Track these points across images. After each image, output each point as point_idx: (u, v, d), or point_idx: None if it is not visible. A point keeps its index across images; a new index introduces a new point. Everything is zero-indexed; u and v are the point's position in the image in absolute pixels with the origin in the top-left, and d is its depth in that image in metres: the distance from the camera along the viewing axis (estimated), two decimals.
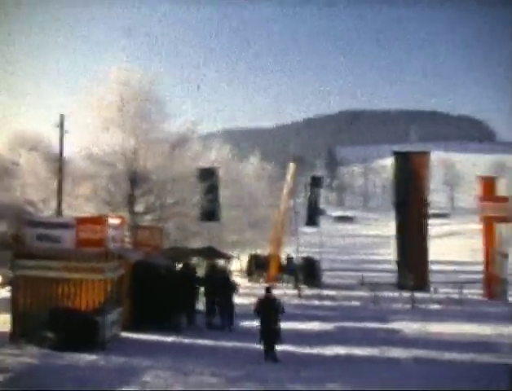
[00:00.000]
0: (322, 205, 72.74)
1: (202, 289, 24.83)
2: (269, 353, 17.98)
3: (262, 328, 18.25)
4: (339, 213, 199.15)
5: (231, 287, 24.41)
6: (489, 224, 35.15)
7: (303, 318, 25.40)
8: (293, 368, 16.37)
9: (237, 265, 53.31)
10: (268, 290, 19.29)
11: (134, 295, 22.07)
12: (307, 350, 19.32)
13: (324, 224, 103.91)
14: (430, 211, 43.71)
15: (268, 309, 18.39)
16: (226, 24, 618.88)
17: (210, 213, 35.39)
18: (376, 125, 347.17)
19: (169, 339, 20.84)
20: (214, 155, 47.26)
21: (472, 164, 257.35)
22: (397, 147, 59.28)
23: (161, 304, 22.21)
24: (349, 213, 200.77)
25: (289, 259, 44.03)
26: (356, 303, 32.69)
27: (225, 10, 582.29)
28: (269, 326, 18.07)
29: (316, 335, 22.65)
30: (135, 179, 32.16)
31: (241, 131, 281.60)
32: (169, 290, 22.46)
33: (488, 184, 37.03)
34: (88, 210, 30.69)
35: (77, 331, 17.87)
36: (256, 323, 19.49)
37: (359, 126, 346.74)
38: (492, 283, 34.96)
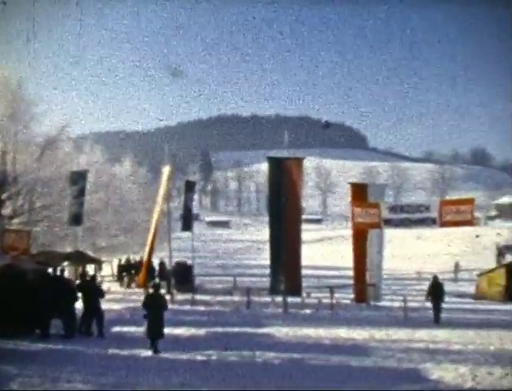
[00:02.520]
0: (196, 210, 72.80)
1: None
2: (154, 345, 19.20)
3: (149, 322, 19.41)
4: (213, 217, 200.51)
5: (98, 293, 23.99)
6: (360, 230, 35.77)
7: (175, 323, 25.15)
8: (165, 374, 16.18)
9: (108, 270, 52.54)
10: (155, 287, 21.24)
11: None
12: (179, 356, 19.17)
13: (198, 229, 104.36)
14: (304, 216, 44.34)
15: (154, 304, 19.68)
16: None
17: (77, 217, 34.64)
18: (250, 130, 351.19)
19: (38, 346, 20.25)
20: (85, 158, 46.59)
21: (345, 170, 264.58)
22: (272, 153, 59.86)
23: (28, 310, 21.54)
24: (223, 218, 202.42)
25: (162, 264, 43.68)
26: (229, 308, 32.71)
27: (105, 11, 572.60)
28: (154, 320, 19.34)
29: (188, 340, 22.53)
30: (3, 181, 31.17)
31: (113, 134, 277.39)
32: (36, 296, 21.85)
33: (359, 190, 37.81)
34: None
35: None
36: (127, 329, 19.39)
37: (233, 131, 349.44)
38: (363, 287, 35.66)
